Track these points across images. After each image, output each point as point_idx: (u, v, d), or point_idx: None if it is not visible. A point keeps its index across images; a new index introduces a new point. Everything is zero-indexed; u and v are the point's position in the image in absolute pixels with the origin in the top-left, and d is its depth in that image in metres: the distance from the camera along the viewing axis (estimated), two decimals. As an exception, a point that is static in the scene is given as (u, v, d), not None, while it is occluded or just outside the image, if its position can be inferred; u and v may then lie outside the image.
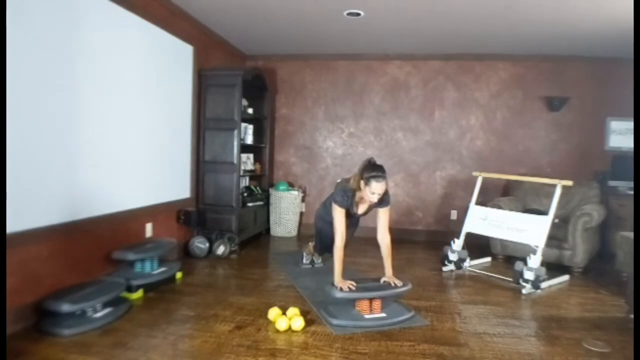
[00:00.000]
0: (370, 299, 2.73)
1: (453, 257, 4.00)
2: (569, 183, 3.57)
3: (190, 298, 3.07)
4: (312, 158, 5.71)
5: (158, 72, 3.68)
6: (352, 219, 3.16)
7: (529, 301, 3.25)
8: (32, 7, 2.39)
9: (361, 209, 3.07)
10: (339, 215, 2.93)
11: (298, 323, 2.52)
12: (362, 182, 2.82)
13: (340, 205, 2.93)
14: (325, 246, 3.56)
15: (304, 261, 4.00)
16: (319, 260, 4.02)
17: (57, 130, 2.62)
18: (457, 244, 4.02)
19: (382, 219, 2.99)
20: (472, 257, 4.15)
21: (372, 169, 2.79)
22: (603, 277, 3.86)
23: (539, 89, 5.20)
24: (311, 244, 3.93)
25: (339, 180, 3.17)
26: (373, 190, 2.78)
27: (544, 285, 3.45)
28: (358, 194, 2.94)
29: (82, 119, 2.82)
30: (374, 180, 2.76)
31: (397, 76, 5.47)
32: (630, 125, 5.01)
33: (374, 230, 3.03)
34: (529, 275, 3.37)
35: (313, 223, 3.71)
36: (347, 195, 2.94)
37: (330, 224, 3.10)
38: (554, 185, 3.64)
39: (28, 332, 2.38)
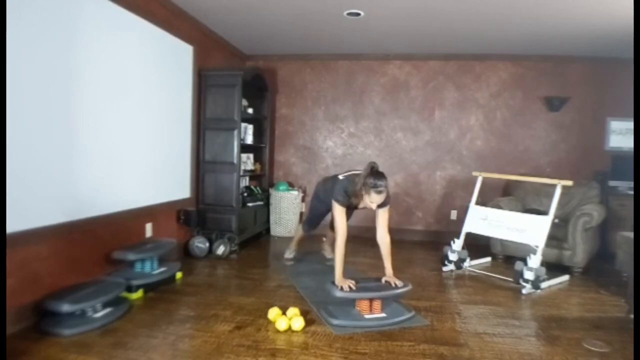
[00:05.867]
0: (371, 299, 2.73)
1: (453, 257, 4.00)
2: (569, 183, 3.57)
3: (190, 298, 3.07)
4: (312, 158, 5.71)
5: (158, 72, 3.68)
6: (349, 209, 3.19)
7: (529, 301, 3.25)
8: (31, 7, 2.38)
9: (361, 205, 3.09)
10: (339, 215, 2.95)
11: (298, 323, 2.52)
12: (363, 189, 2.85)
13: (341, 204, 2.95)
14: (311, 222, 3.79)
15: (287, 256, 4.05)
16: (291, 256, 4.08)
17: (57, 131, 2.62)
18: (457, 244, 4.02)
19: (382, 219, 3.01)
20: (472, 257, 4.16)
21: (374, 178, 2.81)
22: (603, 277, 3.86)
23: (539, 89, 5.20)
24: (300, 228, 4.00)
25: (341, 176, 3.16)
26: (372, 200, 2.84)
27: (544, 285, 3.45)
28: (359, 195, 2.94)
29: (81, 119, 2.82)
30: (374, 192, 2.80)
31: (397, 76, 5.47)
32: (630, 125, 5.01)
33: (373, 230, 3.04)
34: (529, 275, 3.37)
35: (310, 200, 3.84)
36: (347, 195, 2.97)
37: (324, 203, 3.28)
38: (554, 185, 3.64)
39: (28, 332, 2.38)
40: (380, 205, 2.95)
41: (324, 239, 4.21)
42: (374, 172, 2.84)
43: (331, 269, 2.89)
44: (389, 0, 3.59)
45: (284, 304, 2.85)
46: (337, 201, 2.97)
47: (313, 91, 5.65)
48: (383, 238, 3.01)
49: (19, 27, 2.29)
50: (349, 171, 3.24)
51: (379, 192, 2.80)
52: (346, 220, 3.02)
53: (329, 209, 3.26)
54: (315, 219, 3.74)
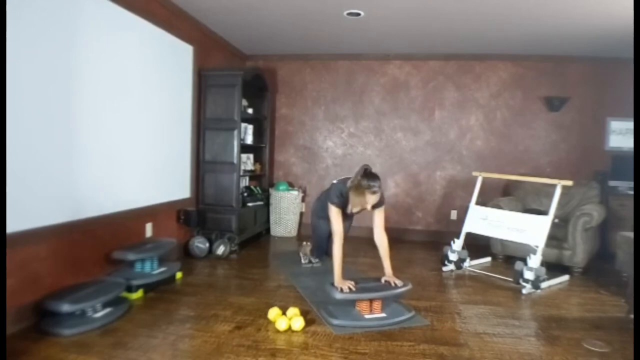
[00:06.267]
0: (371, 300, 2.73)
1: (453, 257, 4.00)
2: (569, 183, 3.57)
3: (190, 298, 3.07)
4: (312, 158, 5.71)
5: (158, 72, 3.68)
6: (346, 215, 3.19)
7: (529, 301, 3.25)
8: (31, 7, 2.38)
9: (356, 209, 3.09)
10: (336, 216, 2.97)
11: (298, 323, 2.52)
12: (357, 190, 2.86)
13: (337, 206, 2.97)
14: (321, 246, 3.67)
15: (303, 261, 4.04)
16: (316, 260, 4.04)
17: (57, 131, 2.62)
18: (457, 244, 4.02)
19: (378, 219, 3.04)
20: (472, 257, 4.16)
21: (367, 179, 2.83)
22: (603, 277, 3.86)
23: (539, 89, 5.20)
24: (307, 246, 4.01)
25: (334, 182, 3.19)
26: (367, 200, 2.86)
27: (544, 285, 3.45)
28: (352, 196, 2.95)
29: (81, 119, 2.82)
30: (369, 192, 2.83)
31: (397, 76, 5.47)
32: (630, 125, 5.01)
33: (371, 230, 3.04)
34: (529, 275, 3.37)
35: (310, 223, 3.76)
36: (342, 196, 2.99)
37: (325, 219, 3.22)
38: (554, 185, 3.64)
39: (28, 332, 2.38)
40: (375, 206, 2.97)
41: (305, 243, 4.20)
42: (367, 174, 2.87)
43: (331, 268, 2.89)
44: (389, 0, 3.59)
45: (284, 304, 2.85)
46: (333, 203, 2.99)
47: (313, 91, 5.65)
48: (380, 238, 3.03)
49: (19, 27, 2.29)
50: (343, 177, 3.25)
51: (373, 193, 2.83)
52: (344, 229, 3.02)
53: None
54: (323, 238, 3.65)
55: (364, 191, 2.82)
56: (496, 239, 4.29)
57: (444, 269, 4.02)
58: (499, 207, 4.23)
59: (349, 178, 3.05)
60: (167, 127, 3.87)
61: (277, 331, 2.50)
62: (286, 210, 5.34)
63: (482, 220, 4.00)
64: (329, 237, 3.45)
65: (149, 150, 3.61)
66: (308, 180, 5.70)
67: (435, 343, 2.43)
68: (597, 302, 3.26)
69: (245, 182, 5.10)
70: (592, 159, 5.12)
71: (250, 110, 4.91)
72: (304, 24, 4.30)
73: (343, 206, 3.01)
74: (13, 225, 2.26)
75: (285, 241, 5.18)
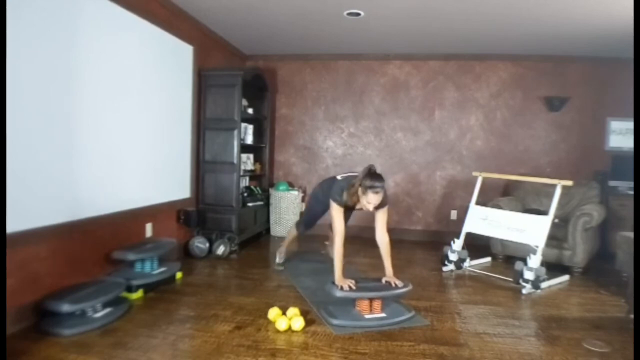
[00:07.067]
0: (371, 299, 2.73)
1: (453, 257, 4.00)
2: (569, 183, 3.57)
3: (190, 298, 3.07)
4: (312, 158, 5.71)
5: (158, 72, 3.68)
6: (348, 208, 3.17)
7: (529, 301, 3.25)
8: (31, 7, 2.38)
9: (358, 206, 3.09)
10: (337, 214, 2.97)
11: (298, 323, 2.52)
12: (360, 190, 2.86)
13: (339, 204, 2.97)
14: (308, 223, 3.72)
15: (278, 261, 3.93)
16: (282, 261, 3.93)
17: (57, 131, 2.62)
18: (457, 244, 4.02)
19: (380, 219, 3.03)
20: (472, 257, 4.16)
21: (371, 179, 2.83)
22: (603, 277, 3.86)
23: (539, 89, 5.20)
24: (282, 246, 3.94)
25: (339, 177, 3.17)
26: (369, 200, 2.85)
27: (544, 285, 3.45)
28: (355, 196, 2.95)
29: (81, 119, 2.82)
30: (371, 192, 2.82)
31: (397, 76, 5.47)
32: (630, 125, 5.01)
33: (373, 230, 3.04)
34: (529, 275, 3.37)
35: (307, 202, 3.74)
36: (345, 195, 2.98)
37: (323, 204, 3.28)
38: (554, 185, 3.64)
39: (28, 332, 2.38)
40: (378, 207, 2.96)
41: (327, 242, 4.17)
42: (371, 173, 2.86)
43: (331, 268, 2.89)
44: (389, 0, 3.59)
45: (284, 304, 2.85)
46: (335, 201, 2.99)
47: (313, 91, 5.65)
48: (382, 238, 3.03)
49: (19, 27, 2.29)
50: (348, 172, 3.25)
51: (376, 193, 2.82)
52: (344, 220, 3.03)
53: (326, 210, 3.28)
54: (312, 219, 3.70)
55: (366, 191, 2.82)
56: (496, 239, 4.29)
57: (444, 269, 4.02)
58: (499, 207, 4.23)
59: (354, 174, 3.04)
60: (167, 127, 3.87)
61: (277, 331, 2.50)
62: (286, 210, 5.34)
63: (482, 220, 4.00)
64: (318, 217, 3.61)
65: (149, 150, 3.61)
66: (308, 180, 5.70)
67: (435, 343, 2.43)
68: (597, 302, 3.26)
69: (245, 182, 5.10)
70: (592, 159, 5.12)
71: (250, 110, 4.91)
72: (304, 24, 4.30)
73: (345, 204, 3.01)
74: (13, 225, 2.26)
75: (285, 241, 5.17)
